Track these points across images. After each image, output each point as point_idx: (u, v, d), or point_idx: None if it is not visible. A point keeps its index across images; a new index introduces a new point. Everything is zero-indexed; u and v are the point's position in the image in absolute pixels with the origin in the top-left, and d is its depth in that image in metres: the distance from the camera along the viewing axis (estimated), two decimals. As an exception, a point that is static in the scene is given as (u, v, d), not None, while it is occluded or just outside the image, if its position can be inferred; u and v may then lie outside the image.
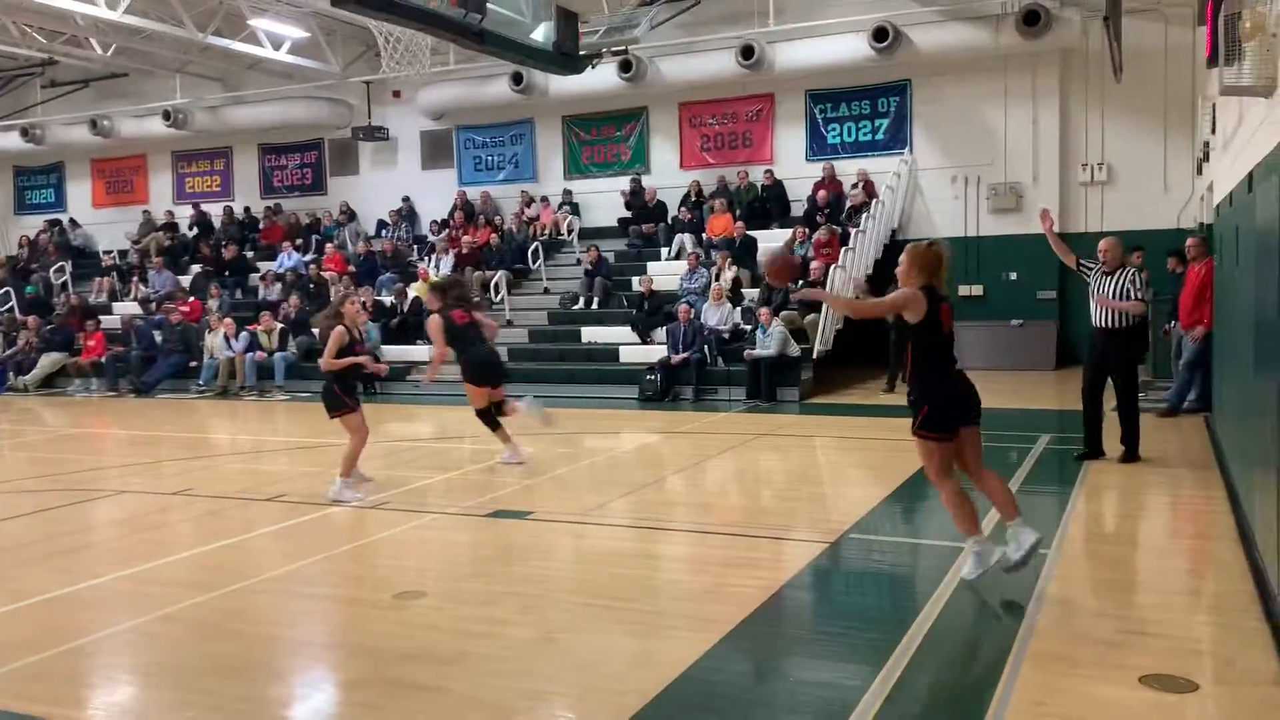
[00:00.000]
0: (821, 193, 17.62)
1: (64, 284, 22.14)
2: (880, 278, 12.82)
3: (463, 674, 4.45)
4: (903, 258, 5.51)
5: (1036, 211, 9.75)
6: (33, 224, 25.25)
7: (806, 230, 16.75)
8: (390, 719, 4.03)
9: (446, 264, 18.81)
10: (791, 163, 18.75)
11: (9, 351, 19.18)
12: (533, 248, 18.82)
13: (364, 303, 9.00)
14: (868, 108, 18.26)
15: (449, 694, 4.24)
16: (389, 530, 7.32)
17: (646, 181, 19.48)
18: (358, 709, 4.19)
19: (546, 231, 19.54)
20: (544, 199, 20.24)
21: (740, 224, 17.24)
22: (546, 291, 18.29)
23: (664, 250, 18.14)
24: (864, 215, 16.61)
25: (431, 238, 20.34)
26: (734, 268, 16.12)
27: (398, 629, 5.11)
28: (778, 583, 5.73)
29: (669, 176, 19.51)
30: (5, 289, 21.81)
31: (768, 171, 18.53)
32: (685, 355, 14.44)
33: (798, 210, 18.10)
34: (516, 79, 19.03)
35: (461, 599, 5.57)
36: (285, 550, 6.81)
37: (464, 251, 18.91)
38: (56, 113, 23.50)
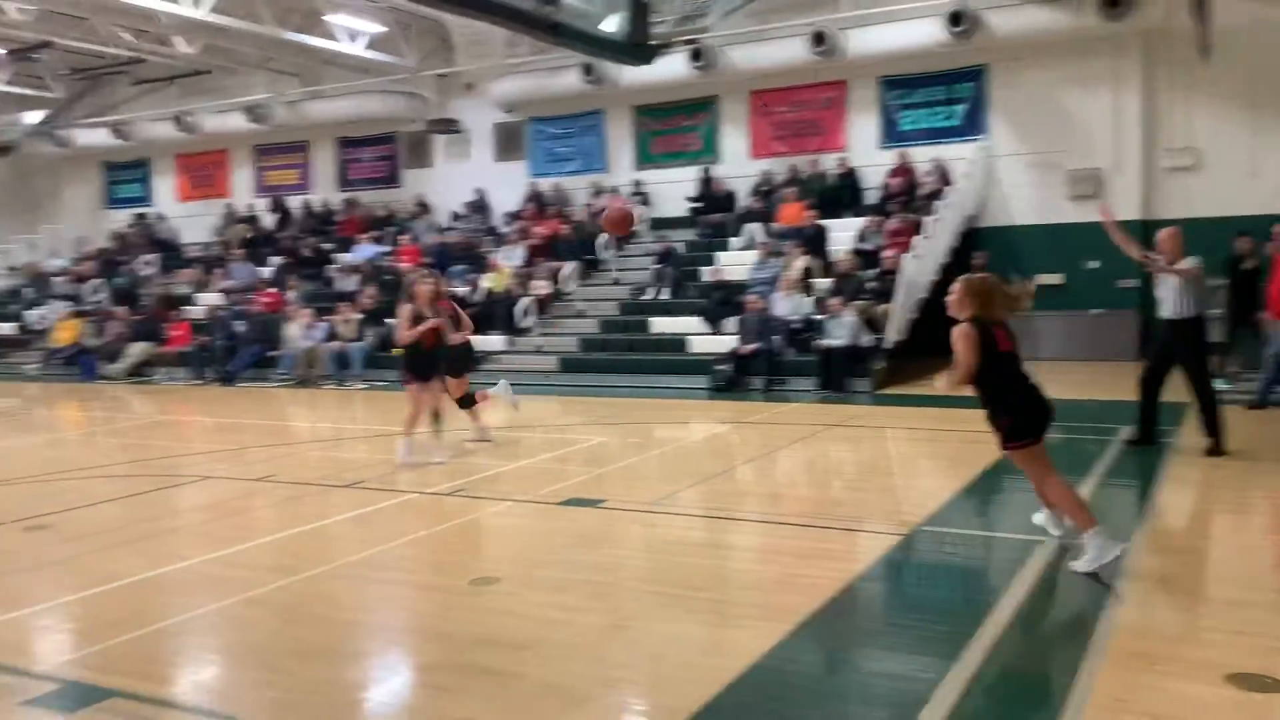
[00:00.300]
0: (895, 180, 17.39)
1: (151, 276, 22.84)
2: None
3: (537, 659, 4.51)
4: (956, 286, 5.66)
5: (1116, 198, 9.52)
6: (121, 218, 26.10)
7: (880, 219, 16.55)
8: (466, 702, 4.10)
9: (518, 255, 18.99)
10: (864, 150, 18.53)
11: (100, 341, 19.88)
12: (602, 238, 18.90)
13: (436, 289, 9.55)
14: (943, 94, 17.95)
15: (523, 679, 4.31)
16: (464, 517, 7.44)
17: (716, 171, 19.43)
18: (434, 692, 4.28)
19: (617, 222, 19.57)
20: (614, 189, 20.31)
21: (811, 213, 17.11)
22: (616, 282, 18.36)
23: (733, 240, 18.07)
24: (939, 203, 16.36)
25: (503, 229, 20.54)
26: (805, 257, 16.01)
27: (473, 614, 5.20)
28: (850, 574, 5.70)
29: (739, 165, 19.43)
30: (97, 281, 22.60)
31: (840, 159, 18.35)
32: (755, 345, 14.39)
33: (871, 198, 17.89)
34: (587, 70, 19.10)
35: (535, 585, 5.64)
36: (364, 536, 6.96)
37: (535, 242, 19.07)
38: (143, 110, 24.23)
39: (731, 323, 15.26)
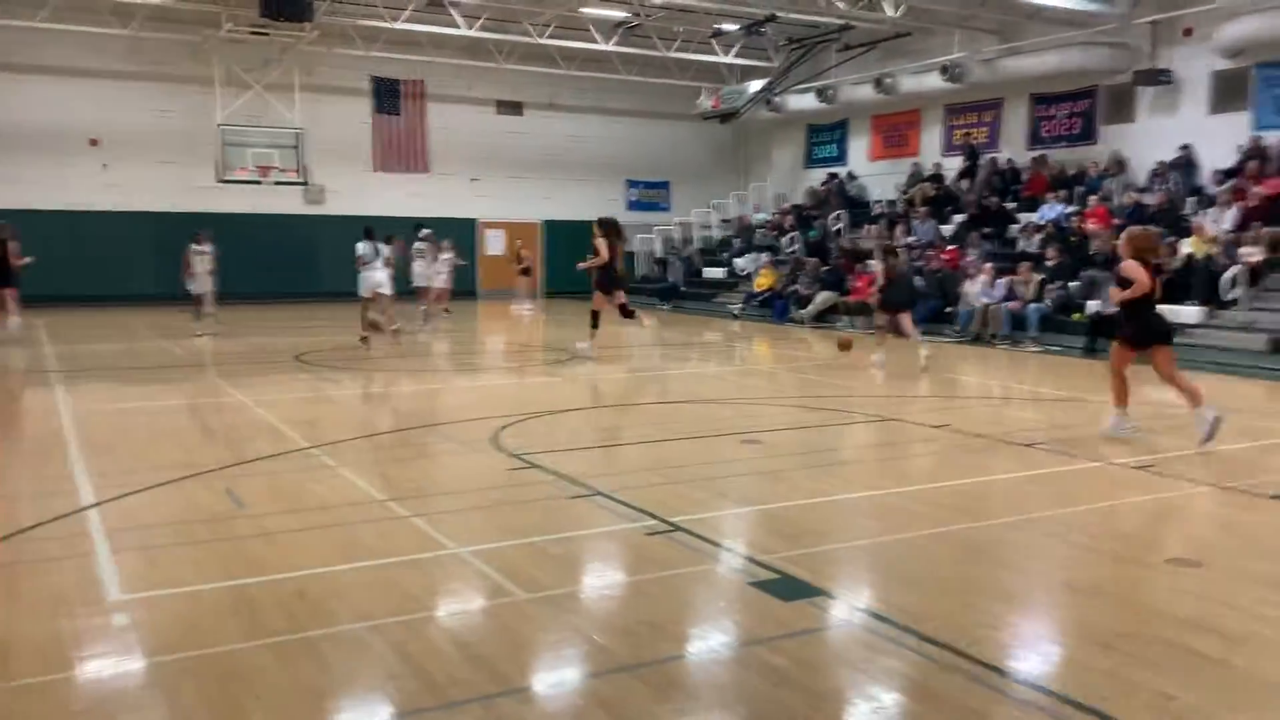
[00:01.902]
0: None
1: (839, 230, 24.59)
2: None
3: (1251, 652, 4.09)
4: (1122, 239, 8.39)
5: None
6: (817, 176, 28.37)
7: None
8: (1165, 677, 3.87)
9: (1229, 218, 16.90)
10: None
11: (792, 287, 21.97)
12: (1346, 202, 15.99)
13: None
14: None
15: (1233, 669, 3.95)
16: (1153, 494, 6.95)
17: None
18: (1128, 659, 4.07)
19: (1367, 182, 16.45)
20: (1365, 144, 17.02)
21: None
22: (1359, 253, 15.43)
23: None
24: None
25: (1212, 189, 18.38)
26: None
27: (1170, 593, 4.87)
28: None
29: None
30: (793, 233, 24.97)
31: None
32: None
33: None
34: (1346, 1, 16.15)
35: (1248, 579, 5.06)
36: (1042, 495, 6.85)
37: (1252, 205, 16.78)
38: (846, 74, 25.93)
39: None
